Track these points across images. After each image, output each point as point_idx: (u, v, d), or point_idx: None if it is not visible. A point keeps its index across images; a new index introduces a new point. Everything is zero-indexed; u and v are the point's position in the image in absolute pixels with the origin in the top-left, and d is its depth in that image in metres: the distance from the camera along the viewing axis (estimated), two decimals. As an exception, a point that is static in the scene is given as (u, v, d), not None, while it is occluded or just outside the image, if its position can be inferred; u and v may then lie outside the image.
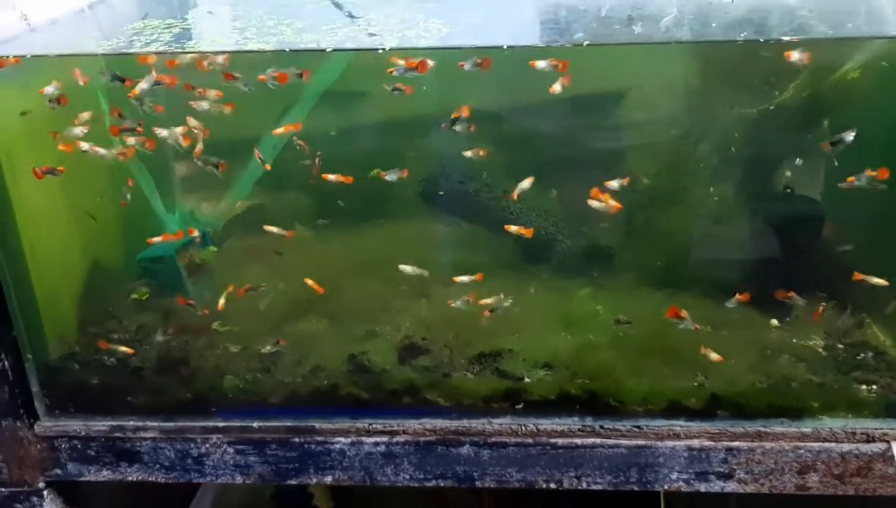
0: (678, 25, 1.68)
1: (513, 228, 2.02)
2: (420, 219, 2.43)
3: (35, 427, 2.11)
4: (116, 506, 2.58)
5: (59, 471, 2.16)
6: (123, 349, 2.14)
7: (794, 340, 2.10)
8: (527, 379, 2.06)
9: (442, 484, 2.10)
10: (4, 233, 1.99)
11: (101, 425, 2.11)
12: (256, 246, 2.43)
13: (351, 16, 2.04)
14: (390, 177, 1.98)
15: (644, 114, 2.08)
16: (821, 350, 2.08)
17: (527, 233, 2.03)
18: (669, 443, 1.98)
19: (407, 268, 2.10)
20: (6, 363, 2.04)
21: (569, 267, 2.26)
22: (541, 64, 1.73)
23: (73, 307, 2.24)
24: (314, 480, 2.12)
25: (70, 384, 2.14)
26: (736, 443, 1.97)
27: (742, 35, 1.68)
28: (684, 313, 1.89)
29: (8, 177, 1.98)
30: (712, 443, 1.98)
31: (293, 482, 2.13)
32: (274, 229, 2.10)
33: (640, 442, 1.99)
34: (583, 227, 2.34)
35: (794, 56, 1.60)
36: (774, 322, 2.12)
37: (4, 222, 1.99)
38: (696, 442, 1.98)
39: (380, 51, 1.76)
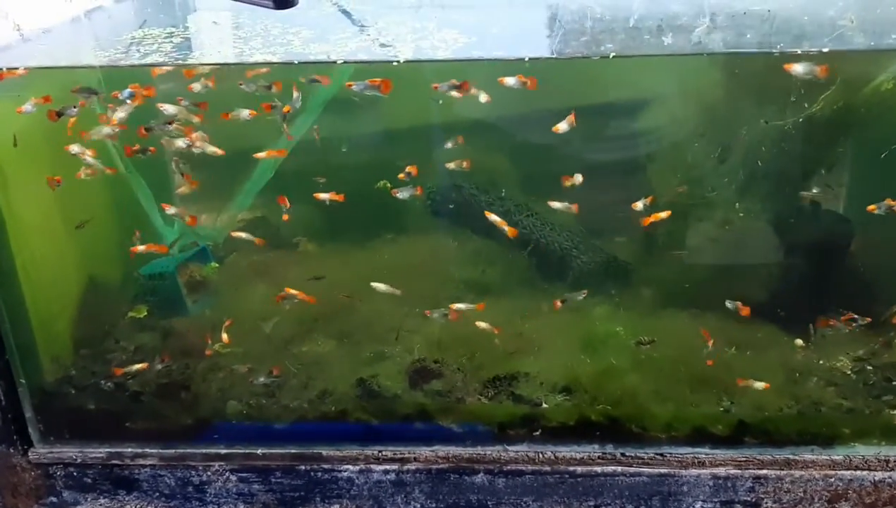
0: (710, 36, 1.59)
1: (494, 217, 1.92)
2: (429, 233, 2.34)
3: (29, 453, 2.02)
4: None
5: (54, 499, 2.07)
6: (137, 366, 2.04)
7: (822, 362, 2.00)
8: (544, 405, 1.96)
9: (454, 513, 2.00)
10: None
11: (98, 451, 2.02)
12: (260, 262, 2.34)
13: (361, 26, 1.94)
14: (402, 194, 1.89)
15: (667, 126, 1.99)
16: (849, 372, 1.99)
17: (510, 231, 1.96)
18: (694, 471, 1.90)
19: (380, 286, 1.99)
20: (-1, 388, 1.94)
21: (585, 284, 2.17)
22: (509, 81, 1.66)
23: (68, 328, 2.14)
24: (321, 509, 2.02)
25: (65, 409, 2.05)
26: (764, 471, 1.89)
27: (779, 46, 1.59)
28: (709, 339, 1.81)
29: (0, 192, 1.88)
30: (739, 471, 1.89)
31: (301, 511, 2.04)
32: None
33: (663, 470, 1.90)
34: (599, 241, 2.25)
35: (799, 69, 1.51)
36: (799, 342, 2.03)
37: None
38: (721, 470, 1.89)
39: (394, 63, 1.67)
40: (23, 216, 1.96)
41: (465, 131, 2.14)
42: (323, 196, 1.99)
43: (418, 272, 2.27)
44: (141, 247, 2.08)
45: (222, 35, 2.17)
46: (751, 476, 1.89)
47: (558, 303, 1.92)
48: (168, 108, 1.86)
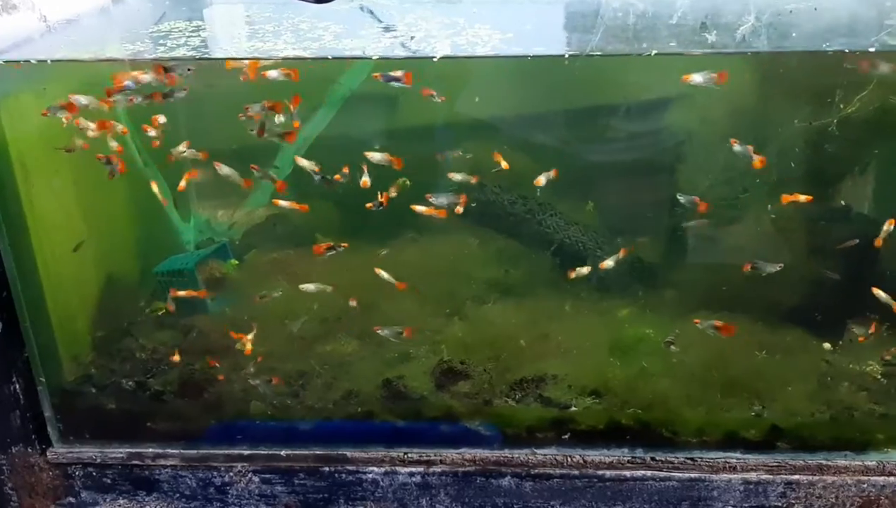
0: (756, 34, 1.56)
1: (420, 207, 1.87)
2: (451, 233, 2.31)
3: (47, 453, 1.99)
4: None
5: (72, 499, 2.03)
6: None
7: (852, 366, 1.97)
8: (573, 408, 1.94)
9: (480, 517, 1.98)
10: (18, 250, 1.85)
11: (117, 452, 1.99)
12: (280, 259, 2.31)
13: (386, 28, 1.91)
14: (436, 201, 1.85)
15: (699, 125, 1.96)
16: (879, 377, 1.97)
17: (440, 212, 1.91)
18: (725, 476, 1.88)
19: (310, 287, 1.97)
20: (17, 386, 1.91)
21: (611, 285, 2.14)
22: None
23: (87, 327, 2.10)
24: (345, 511, 2.00)
25: (85, 408, 2.01)
26: (795, 477, 1.87)
27: (825, 45, 1.57)
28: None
29: (22, 190, 1.85)
30: (770, 476, 1.87)
31: (324, 513, 2.01)
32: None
33: (694, 475, 1.88)
34: (623, 241, 2.22)
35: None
36: (827, 346, 2.01)
37: (19, 238, 1.86)
38: (752, 475, 1.87)
39: (435, 59, 1.63)
40: (44, 215, 1.92)
41: (489, 130, 2.12)
42: (283, 203, 1.94)
43: (440, 272, 2.24)
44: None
45: (238, 29, 2.14)
46: (782, 482, 1.87)
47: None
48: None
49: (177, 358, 2.05)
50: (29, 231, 1.89)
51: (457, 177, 1.93)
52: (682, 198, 1.83)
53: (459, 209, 1.93)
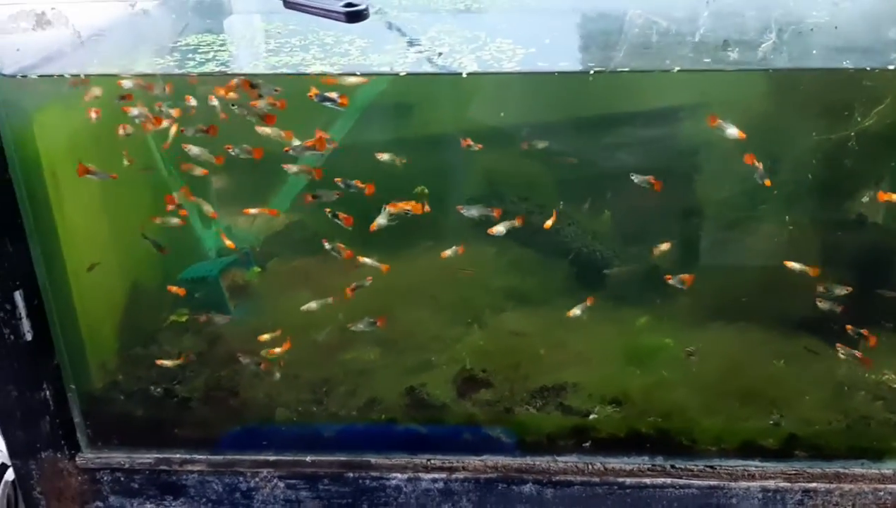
0: (777, 51, 1.59)
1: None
2: (468, 242, 2.33)
3: (76, 458, 2.02)
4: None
5: (100, 504, 2.07)
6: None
7: (868, 375, 2.00)
8: (593, 415, 1.97)
9: (501, 523, 2.01)
10: (50, 259, 1.89)
11: (145, 457, 2.02)
12: (301, 266, 2.34)
13: (410, 42, 1.94)
14: (468, 213, 1.88)
15: (714, 137, 1.99)
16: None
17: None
18: (743, 484, 1.91)
19: (312, 305, 2.03)
20: (48, 392, 1.95)
21: (628, 294, 2.17)
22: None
23: (114, 333, 2.14)
24: (367, 517, 2.03)
25: (113, 414, 2.04)
26: (813, 484, 1.89)
27: (845, 63, 1.60)
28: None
29: (53, 200, 1.88)
30: (788, 484, 1.90)
31: (345, 518, 2.04)
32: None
33: (713, 483, 1.91)
34: (639, 250, 2.25)
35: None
36: (843, 355, 2.03)
37: (50, 248, 1.89)
38: (771, 483, 1.90)
39: (464, 75, 1.67)
40: (73, 224, 1.95)
41: (505, 140, 2.15)
42: (253, 211, 1.99)
43: (458, 280, 2.27)
44: None
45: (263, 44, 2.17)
46: (800, 490, 1.90)
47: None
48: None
49: (182, 360, 2.07)
50: (60, 240, 1.93)
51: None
52: (636, 179, 1.84)
53: (500, 229, 1.94)
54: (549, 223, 1.99)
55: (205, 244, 2.47)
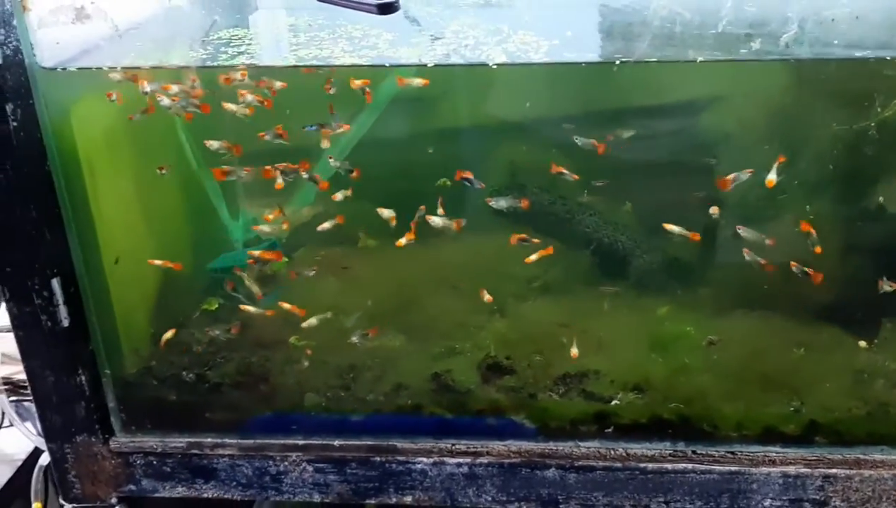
0: (798, 42, 1.62)
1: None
2: (492, 232, 2.37)
3: (110, 442, 2.07)
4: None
5: (132, 487, 2.12)
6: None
7: (888, 363, 2.02)
8: (616, 402, 2.00)
9: (524, 507, 2.05)
10: (86, 248, 1.94)
11: (178, 441, 2.07)
12: (326, 258, 2.38)
13: (435, 36, 1.98)
14: (497, 204, 1.92)
15: (736, 128, 2.02)
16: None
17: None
18: (764, 469, 1.93)
19: (312, 321, 2.07)
20: (83, 378, 2.00)
21: (650, 284, 2.20)
22: None
23: (147, 320, 2.20)
24: (394, 500, 2.07)
25: (146, 399, 2.10)
26: (833, 470, 1.92)
27: (865, 52, 1.62)
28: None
29: (90, 190, 1.94)
30: (808, 470, 1.92)
31: (372, 501, 2.09)
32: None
33: (734, 468, 1.94)
34: (661, 241, 2.27)
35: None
36: (863, 344, 2.05)
37: (86, 237, 1.95)
38: (791, 469, 1.93)
39: (493, 66, 1.71)
40: (108, 213, 2.01)
41: (528, 131, 2.18)
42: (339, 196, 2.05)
43: (482, 269, 2.31)
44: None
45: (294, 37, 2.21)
46: (820, 475, 1.92)
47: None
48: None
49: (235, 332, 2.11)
50: (96, 229, 1.98)
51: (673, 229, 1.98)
52: (579, 141, 1.87)
53: (502, 204, 1.97)
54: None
55: (232, 235, 2.53)
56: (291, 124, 2.01)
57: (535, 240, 2.00)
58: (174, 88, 1.86)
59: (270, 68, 1.90)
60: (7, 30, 1.69)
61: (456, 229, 2.02)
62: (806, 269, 1.90)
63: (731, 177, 1.83)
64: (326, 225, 2.08)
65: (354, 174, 2.03)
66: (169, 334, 2.11)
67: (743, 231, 1.90)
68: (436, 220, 1.97)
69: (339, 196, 2.06)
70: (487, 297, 2.05)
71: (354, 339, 2.08)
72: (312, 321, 2.08)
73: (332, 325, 2.15)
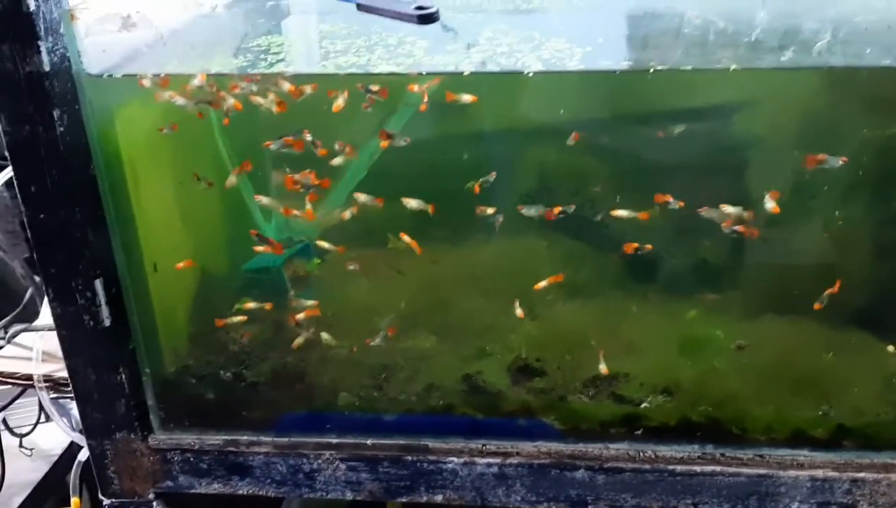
0: (831, 50, 1.65)
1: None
2: (520, 234, 2.40)
3: (149, 439, 2.13)
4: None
5: (170, 483, 2.17)
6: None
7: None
8: (645, 404, 2.03)
9: (553, 507, 2.08)
10: (128, 249, 2.00)
11: (214, 439, 2.12)
12: (359, 258, 2.41)
13: (468, 44, 2.01)
14: (528, 212, 1.95)
15: (766, 132, 2.03)
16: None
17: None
18: (792, 473, 1.95)
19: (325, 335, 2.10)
20: (123, 376, 2.05)
21: (679, 287, 2.22)
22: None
23: (186, 319, 2.25)
24: (424, 498, 2.11)
25: (184, 397, 2.15)
26: (861, 474, 1.94)
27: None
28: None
29: (132, 194, 1.99)
30: (837, 474, 1.94)
31: (403, 499, 2.12)
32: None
33: (762, 471, 1.96)
34: (691, 243, 2.29)
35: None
36: (891, 348, 2.07)
37: (129, 238, 2.00)
38: (819, 472, 1.95)
39: (530, 74, 1.74)
40: (150, 215, 2.06)
41: (557, 134, 2.20)
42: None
43: (512, 272, 2.34)
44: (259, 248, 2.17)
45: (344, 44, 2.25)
46: (848, 479, 1.94)
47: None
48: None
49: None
50: (138, 231, 2.03)
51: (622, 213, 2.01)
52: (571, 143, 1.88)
53: (532, 212, 2.02)
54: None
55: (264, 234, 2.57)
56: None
57: (648, 246, 2.02)
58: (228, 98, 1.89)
59: (323, 76, 1.93)
60: (55, 38, 1.74)
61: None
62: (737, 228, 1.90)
63: (821, 156, 1.81)
64: (346, 213, 2.09)
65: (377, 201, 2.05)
66: (238, 318, 2.16)
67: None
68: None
69: (363, 197, 2.09)
70: (519, 312, 2.07)
71: (378, 340, 2.11)
72: (299, 340, 2.13)
73: (364, 326, 2.19)
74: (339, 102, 1.89)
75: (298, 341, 2.14)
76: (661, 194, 1.97)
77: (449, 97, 1.87)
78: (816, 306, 1.94)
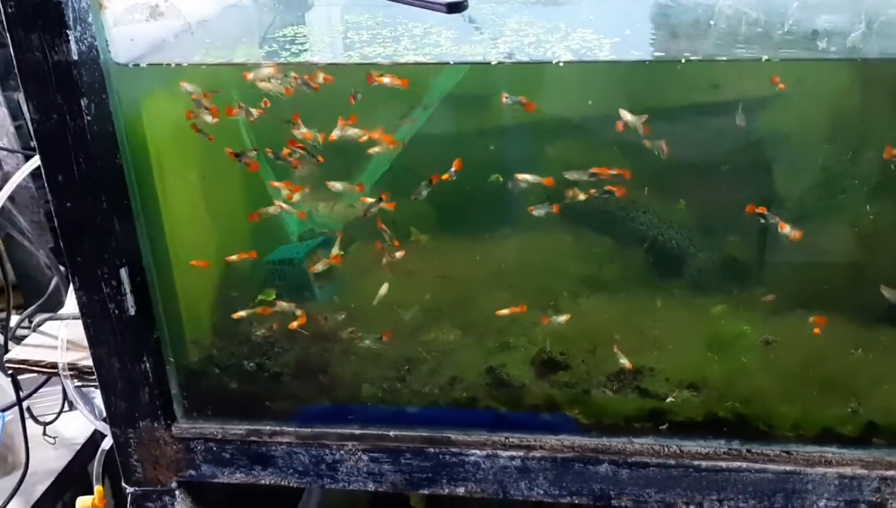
0: (865, 41, 1.62)
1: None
2: (545, 230, 2.38)
3: (172, 428, 2.13)
4: (234, 501, 2.60)
5: (192, 472, 2.18)
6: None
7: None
8: (670, 399, 2.01)
9: (577, 501, 2.07)
10: (154, 238, 2.00)
11: (237, 428, 2.13)
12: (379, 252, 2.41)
13: (494, 36, 2.00)
14: (538, 213, 1.94)
15: (795, 125, 2.01)
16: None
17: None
18: (820, 470, 1.93)
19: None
20: (147, 365, 2.06)
21: (705, 283, 2.20)
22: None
23: (209, 310, 2.25)
24: (446, 490, 2.11)
25: (208, 387, 2.15)
26: (891, 472, 1.91)
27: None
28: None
29: (158, 184, 1.99)
30: (865, 471, 1.92)
31: (425, 491, 2.12)
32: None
33: (789, 468, 1.94)
34: (716, 239, 2.27)
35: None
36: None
37: (154, 227, 2.01)
38: (848, 470, 1.92)
39: (560, 64, 1.72)
40: (175, 207, 2.06)
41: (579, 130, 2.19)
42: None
43: (536, 267, 2.32)
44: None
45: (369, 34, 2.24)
46: (877, 477, 1.92)
47: None
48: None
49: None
50: (163, 221, 2.04)
51: (527, 177, 1.98)
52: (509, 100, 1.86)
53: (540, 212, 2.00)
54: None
55: (288, 228, 2.57)
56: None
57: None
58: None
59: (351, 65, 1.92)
60: (83, 27, 1.74)
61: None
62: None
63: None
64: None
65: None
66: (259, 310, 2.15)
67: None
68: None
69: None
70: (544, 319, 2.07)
71: (368, 342, 2.11)
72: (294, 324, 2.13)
73: (388, 319, 2.18)
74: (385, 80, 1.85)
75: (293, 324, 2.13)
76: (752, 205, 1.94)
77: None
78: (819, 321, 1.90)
